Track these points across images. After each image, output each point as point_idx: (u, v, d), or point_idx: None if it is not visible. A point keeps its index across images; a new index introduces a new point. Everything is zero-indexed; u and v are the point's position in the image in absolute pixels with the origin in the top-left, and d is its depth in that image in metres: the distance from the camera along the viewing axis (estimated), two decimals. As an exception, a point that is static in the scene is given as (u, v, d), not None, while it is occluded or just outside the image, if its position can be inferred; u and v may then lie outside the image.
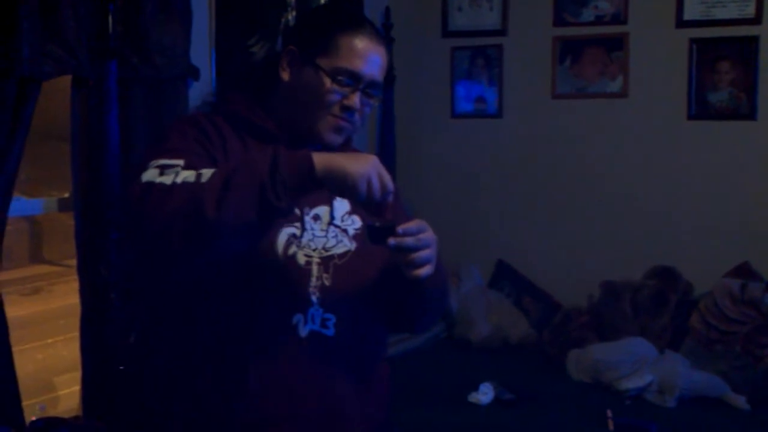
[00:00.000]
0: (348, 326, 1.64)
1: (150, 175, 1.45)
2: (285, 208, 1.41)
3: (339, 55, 1.63)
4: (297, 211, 1.61)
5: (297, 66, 1.67)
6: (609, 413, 2.72)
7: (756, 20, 3.55)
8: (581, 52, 3.88)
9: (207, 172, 1.42)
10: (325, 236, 1.65)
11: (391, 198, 1.49)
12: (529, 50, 3.99)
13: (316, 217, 1.65)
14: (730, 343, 3.09)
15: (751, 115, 3.59)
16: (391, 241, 1.49)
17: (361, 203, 1.47)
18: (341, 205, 1.69)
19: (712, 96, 3.66)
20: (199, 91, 2.83)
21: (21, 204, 2.52)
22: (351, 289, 1.65)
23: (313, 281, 1.61)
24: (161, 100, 2.61)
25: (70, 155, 2.44)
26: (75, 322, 2.53)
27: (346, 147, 1.73)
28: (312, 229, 1.64)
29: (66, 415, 2.44)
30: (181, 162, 1.48)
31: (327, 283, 1.62)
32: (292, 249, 1.60)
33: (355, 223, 1.70)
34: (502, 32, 4.04)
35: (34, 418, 2.29)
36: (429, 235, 1.54)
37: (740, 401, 2.87)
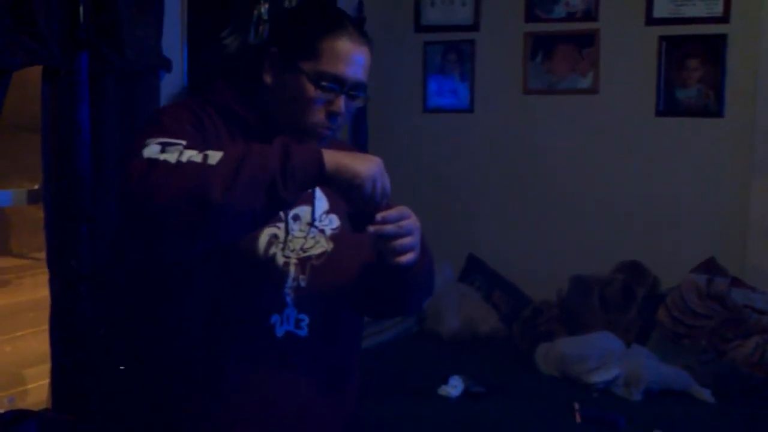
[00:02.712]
0: (321, 327, 1.64)
1: (152, 151, 1.42)
2: (291, 200, 1.41)
3: (321, 60, 1.61)
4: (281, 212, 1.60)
5: (279, 69, 1.65)
6: (576, 406, 2.75)
7: (724, 19, 3.60)
8: (553, 48, 3.91)
9: (214, 155, 1.39)
10: (304, 237, 1.65)
11: (386, 202, 1.49)
12: (501, 46, 4.01)
13: (296, 217, 1.64)
14: (696, 337, 3.13)
15: (718, 112, 3.64)
16: (371, 228, 1.48)
17: (361, 204, 1.47)
18: (320, 205, 1.69)
19: (680, 93, 3.70)
20: (170, 83, 2.83)
21: (-11, 195, 2.50)
22: (326, 290, 1.65)
23: (290, 282, 1.61)
24: (133, 91, 2.59)
25: (41, 147, 2.42)
26: (44, 315, 2.51)
27: (340, 147, 1.72)
28: (292, 230, 1.63)
29: (35, 408, 2.42)
30: (182, 141, 1.45)
31: (302, 284, 1.62)
32: (273, 249, 1.60)
33: (333, 222, 1.69)
34: (474, 27, 4.06)
35: (2, 411, 2.28)
36: (411, 222, 1.53)
37: (705, 394, 2.91)
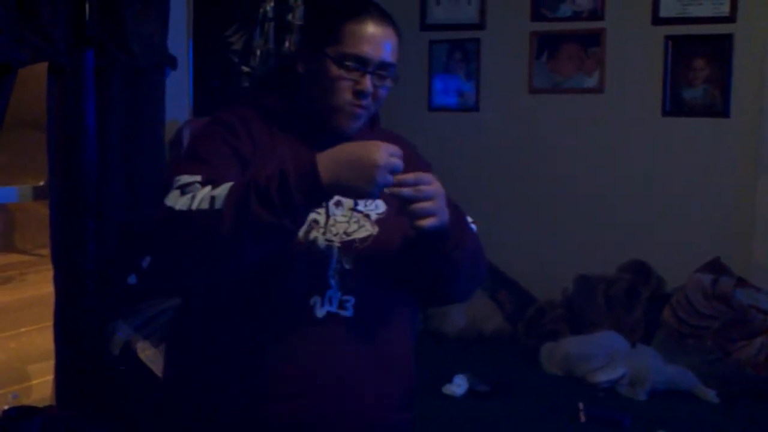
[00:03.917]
0: (368, 307, 1.65)
1: (172, 198, 1.51)
2: (300, 225, 1.49)
3: (344, 42, 1.64)
4: None
5: (308, 58, 1.70)
6: (581, 406, 2.74)
7: (731, 18, 3.59)
8: (558, 47, 3.90)
9: (219, 195, 1.46)
10: (347, 221, 1.67)
11: (401, 167, 1.50)
12: (507, 45, 4.01)
13: (339, 203, 1.66)
14: (701, 337, 3.13)
15: (724, 112, 3.63)
16: (387, 190, 1.50)
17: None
18: None
19: (686, 93, 3.69)
20: (175, 80, 2.83)
21: (-5, 192, 2.51)
22: (372, 273, 1.66)
23: (333, 264, 1.63)
24: (138, 88, 2.60)
25: (46, 143, 2.42)
26: (49, 311, 2.51)
27: (373, 131, 1.76)
28: (334, 214, 1.65)
29: (39, 405, 2.43)
30: (198, 178, 1.53)
31: (347, 266, 1.63)
32: (313, 234, 1.62)
33: (379, 207, 1.71)
34: (479, 26, 4.05)
35: (6, 407, 2.28)
36: (432, 187, 1.54)
37: (710, 395, 2.90)
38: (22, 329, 4.45)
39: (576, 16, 3.87)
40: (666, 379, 2.95)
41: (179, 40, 2.89)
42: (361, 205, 1.69)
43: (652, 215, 3.78)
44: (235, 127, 1.65)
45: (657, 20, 3.71)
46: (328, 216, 1.64)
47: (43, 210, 2.52)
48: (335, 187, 1.46)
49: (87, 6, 2.37)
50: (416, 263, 1.67)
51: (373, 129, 1.78)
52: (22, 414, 2.23)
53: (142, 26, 2.55)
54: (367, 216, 1.69)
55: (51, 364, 2.56)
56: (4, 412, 2.24)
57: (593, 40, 3.83)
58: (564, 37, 3.89)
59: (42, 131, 2.44)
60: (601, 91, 3.84)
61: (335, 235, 1.64)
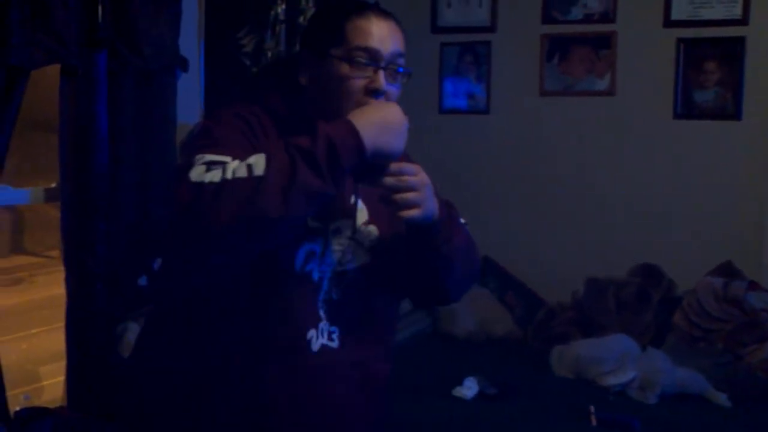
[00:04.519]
0: (352, 337, 1.64)
1: (197, 173, 1.41)
2: (341, 189, 1.48)
3: (350, 39, 1.57)
4: (319, 225, 1.60)
5: (314, 65, 1.62)
6: (592, 409, 2.74)
7: (743, 21, 3.57)
8: (569, 49, 3.89)
9: (257, 163, 1.39)
10: (342, 251, 1.63)
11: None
12: (518, 47, 4.00)
13: (337, 231, 1.63)
14: (713, 340, 3.12)
15: (736, 115, 3.61)
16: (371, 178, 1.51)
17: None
18: (360, 216, 1.67)
19: (698, 95, 3.68)
20: (187, 82, 2.84)
21: (7, 193, 2.52)
22: (357, 301, 1.64)
23: (322, 295, 1.61)
24: (149, 90, 2.61)
25: (58, 145, 2.43)
26: (59, 312, 2.52)
27: None
28: (330, 244, 1.62)
29: (50, 406, 2.44)
30: (227, 158, 1.44)
31: (334, 296, 1.62)
32: (309, 266, 1.59)
33: (372, 234, 1.67)
34: (490, 29, 4.05)
35: (18, 408, 2.29)
36: (418, 178, 1.54)
37: (721, 398, 2.89)
38: (33, 330, 4.47)
39: (587, 19, 3.86)
40: (677, 383, 2.94)
41: (191, 42, 2.90)
42: (357, 233, 1.65)
43: (663, 218, 3.76)
44: (252, 124, 1.59)
45: (668, 23, 3.70)
46: (327, 245, 1.61)
47: (52, 211, 2.53)
48: (374, 148, 1.46)
49: (99, 8, 2.38)
50: (408, 260, 1.65)
51: None
52: (33, 415, 2.24)
53: (153, 28, 2.56)
54: (361, 243, 1.66)
55: (62, 365, 2.56)
56: (16, 413, 2.25)
57: (604, 42, 3.83)
58: (575, 39, 3.88)
59: (54, 133, 2.45)
60: (612, 93, 3.83)
61: (329, 265, 1.61)
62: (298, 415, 1.60)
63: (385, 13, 1.64)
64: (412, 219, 1.54)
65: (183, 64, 2.76)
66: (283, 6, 3.41)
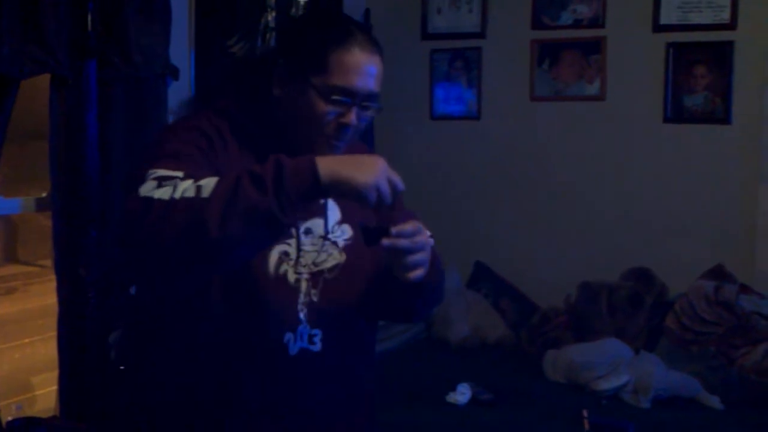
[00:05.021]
0: (334, 340, 1.62)
1: (148, 188, 1.39)
2: (291, 222, 1.39)
3: (331, 74, 1.55)
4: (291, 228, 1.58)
5: (288, 84, 1.60)
6: (585, 413, 2.74)
7: (731, 25, 3.59)
8: (559, 55, 3.91)
9: (207, 185, 1.37)
10: (317, 251, 1.62)
11: (400, 198, 1.48)
12: (508, 53, 4.01)
13: (308, 231, 1.62)
14: (705, 344, 3.12)
15: (725, 119, 3.63)
16: (385, 242, 1.47)
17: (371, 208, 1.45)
18: (333, 216, 1.66)
19: (687, 100, 3.70)
20: (178, 90, 2.84)
21: (-1, 203, 2.51)
22: (338, 303, 1.63)
23: (302, 298, 1.59)
24: (140, 99, 2.60)
25: (48, 154, 2.43)
26: (52, 322, 2.51)
27: (352, 147, 1.66)
28: (303, 245, 1.60)
29: (43, 415, 2.43)
30: (179, 174, 1.41)
31: (315, 299, 1.60)
32: (283, 267, 1.58)
33: (345, 233, 1.66)
34: (481, 35, 4.06)
35: (10, 418, 2.28)
36: (424, 238, 1.52)
37: (714, 401, 2.90)
38: (26, 340, 4.46)
39: (577, 24, 3.88)
40: (669, 386, 2.95)
41: (181, 50, 2.90)
42: (330, 233, 1.63)
43: (655, 222, 3.77)
44: (211, 137, 1.56)
45: (658, 27, 3.72)
46: (299, 247, 1.59)
47: (44, 221, 2.52)
48: (332, 179, 1.37)
49: (89, 17, 2.38)
50: (384, 293, 1.65)
51: (351, 147, 1.68)
52: (26, 425, 2.23)
53: (144, 37, 2.56)
54: (335, 243, 1.65)
55: (55, 374, 2.56)
56: (8, 423, 2.24)
57: (594, 47, 3.84)
58: (565, 44, 3.89)
59: (45, 142, 2.45)
60: (602, 98, 3.85)
61: (304, 266, 1.60)
62: (277, 422, 1.59)
63: (368, 41, 1.61)
64: (416, 280, 1.53)
65: (174, 73, 2.76)
66: (274, 14, 3.41)
